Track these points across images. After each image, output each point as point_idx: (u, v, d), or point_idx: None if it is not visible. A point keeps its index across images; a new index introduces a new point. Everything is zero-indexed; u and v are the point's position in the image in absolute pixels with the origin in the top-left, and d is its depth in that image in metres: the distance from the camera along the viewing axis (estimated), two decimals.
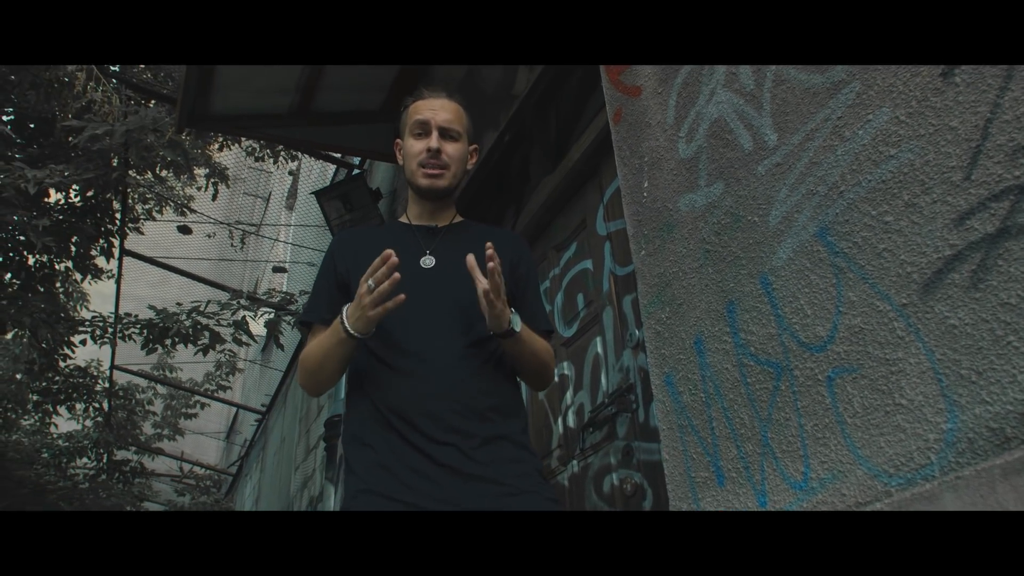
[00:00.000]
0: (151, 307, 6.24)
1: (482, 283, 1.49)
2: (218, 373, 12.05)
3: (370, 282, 1.45)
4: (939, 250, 1.27)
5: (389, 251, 1.46)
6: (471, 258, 1.51)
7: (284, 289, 8.53)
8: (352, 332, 1.51)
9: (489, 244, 1.49)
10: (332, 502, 4.96)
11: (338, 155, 5.94)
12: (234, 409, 14.18)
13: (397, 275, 1.46)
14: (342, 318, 1.53)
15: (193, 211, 8.10)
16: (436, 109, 1.77)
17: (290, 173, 9.52)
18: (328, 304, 1.70)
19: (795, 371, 1.52)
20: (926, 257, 1.29)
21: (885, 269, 1.35)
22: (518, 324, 1.55)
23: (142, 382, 11.31)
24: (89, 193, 5.74)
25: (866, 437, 1.35)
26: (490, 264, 1.46)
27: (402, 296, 1.46)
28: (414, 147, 1.76)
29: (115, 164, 5.00)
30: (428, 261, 1.70)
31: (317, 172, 9.18)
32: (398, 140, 1.85)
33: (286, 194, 12.40)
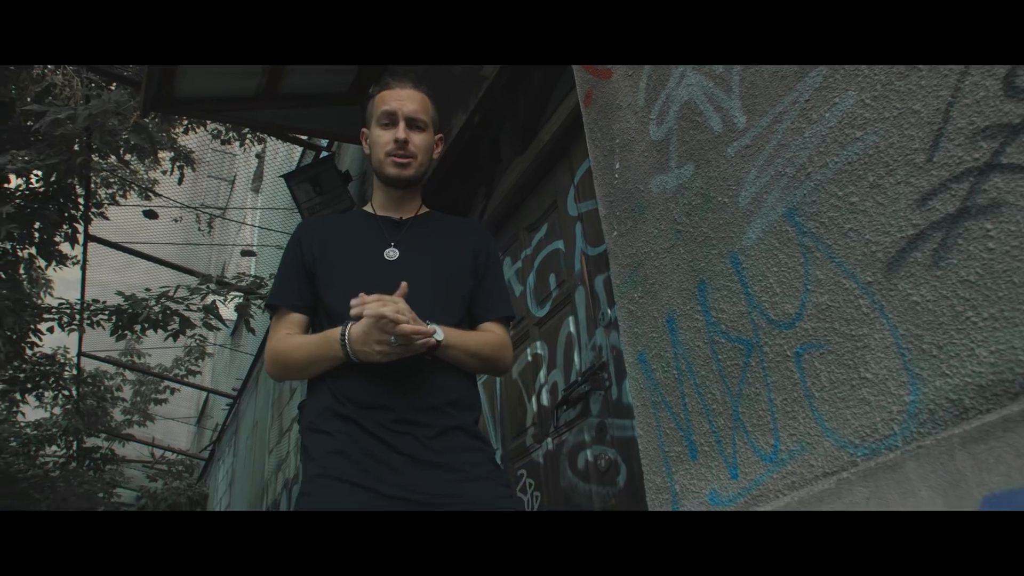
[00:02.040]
0: (119, 293, 6.17)
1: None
2: (187, 358, 11.94)
3: (394, 339, 1.46)
4: (902, 230, 1.31)
5: (432, 329, 1.50)
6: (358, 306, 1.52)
7: (253, 272, 8.47)
8: (356, 359, 1.52)
9: (399, 295, 1.50)
10: None
11: (305, 137, 5.90)
12: (204, 394, 14.07)
13: (431, 341, 1.50)
14: (345, 342, 1.52)
15: (158, 195, 7.99)
16: (403, 99, 1.78)
17: (257, 156, 9.41)
18: (297, 290, 1.71)
19: (765, 347, 1.56)
20: (890, 236, 1.33)
21: (851, 248, 1.40)
22: (440, 334, 1.56)
23: (110, 368, 11.18)
24: (52, 178, 5.64)
25: (833, 410, 1.40)
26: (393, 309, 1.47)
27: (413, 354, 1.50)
28: (381, 137, 1.77)
29: (78, 149, 4.92)
30: (392, 253, 1.71)
31: (283, 154, 9.09)
32: (364, 129, 1.85)
33: (251, 177, 12.26)
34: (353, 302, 1.49)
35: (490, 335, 1.71)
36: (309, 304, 1.71)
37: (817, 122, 1.50)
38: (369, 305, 1.45)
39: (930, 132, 1.29)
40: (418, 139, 1.77)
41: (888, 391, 1.30)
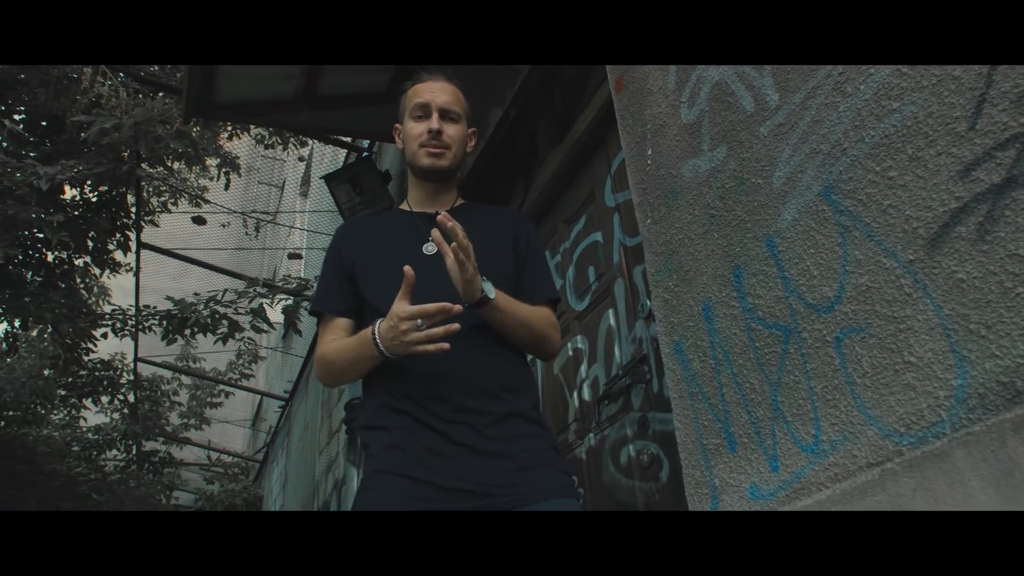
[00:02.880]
0: (168, 298, 6.28)
1: (449, 256, 1.47)
2: (240, 362, 12.15)
3: (420, 321, 1.43)
4: (945, 203, 1.24)
5: (452, 308, 1.44)
6: (436, 232, 1.48)
7: (301, 275, 8.57)
8: (387, 355, 1.50)
9: (444, 216, 1.45)
10: (355, 484, 4.99)
11: (347, 139, 5.93)
12: (258, 397, 14.31)
13: (456, 326, 1.44)
14: (375, 339, 1.50)
15: (207, 202, 8.13)
16: (435, 91, 1.77)
17: (300, 159, 9.53)
18: (339, 294, 1.70)
19: (803, 333, 1.49)
20: (932, 211, 1.26)
21: (891, 225, 1.33)
22: (492, 291, 1.53)
23: (167, 373, 11.43)
24: (103, 188, 5.77)
25: (876, 397, 1.33)
26: (449, 224, 1.43)
27: (447, 346, 1.44)
28: (415, 129, 1.75)
29: (126, 157, 5.02)
30: (430, 247, 1.69)
31: (329, 157, 9.17)
32: (398, 125, 1.84)
33: (300, 181, 12.43)
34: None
35: (540, 310, 1.68)
36: (352, 307, 1.70)
37: (852, 95, 1.43)
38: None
39: (972, 98, 1.21)
40: (452, 130, 1.75)
41: (934, 375, 1.23)
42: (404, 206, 1.83)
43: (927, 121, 1.28)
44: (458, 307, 1.44)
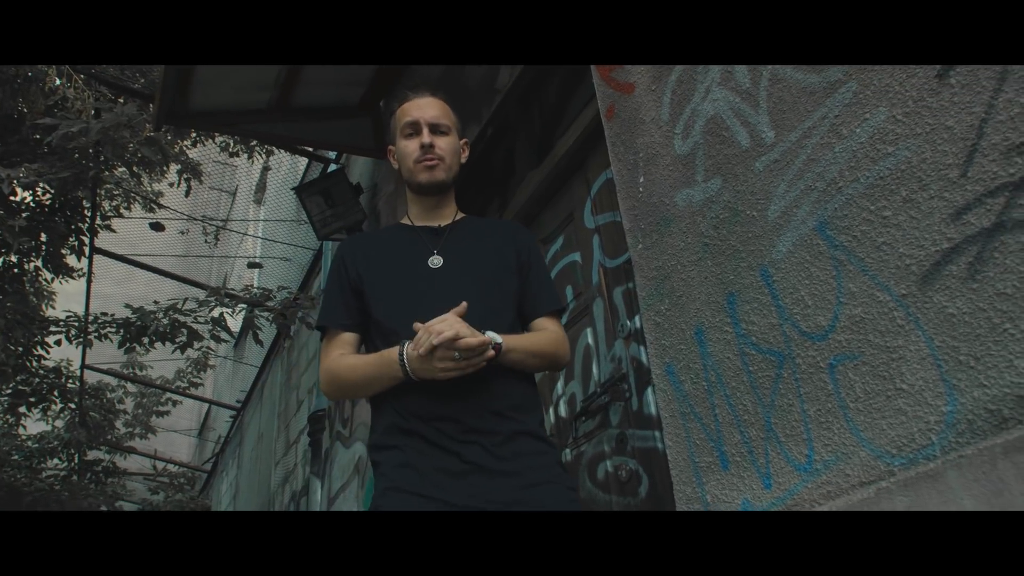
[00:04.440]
0: (127, 306, 6.18)
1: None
2: (189, 370, 11.93)
3: (458, 354, 1.48)
4: (937, 243, 1.34)
5: (489, 339, 1.51)
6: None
7: (257, 284, 8.49)
8: (415, 379, 1.54)
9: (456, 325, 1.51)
10: (319, 496, 4.97)
11: (311, 149, 5.92)
12: (205, 405, 14.06)
13: (491, 353, 1.52)
14: (403, 361, 1.54)
15: (162, 207, 8.01)
16: (423, 107, 1.82)
17: (267, 168, 9.44)
18: (345, 309, 1.74)
19: (797, 359, 1.59)
20: (924, 250, 1.36)
21: (884, 261, 1.43)
22: (498, 337, 1.58)
23: (112, 380, 11.16)
24: (60, 191, 5.65)
25: (868, 420, 1.42)
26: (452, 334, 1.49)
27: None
28: (408, 147, 1.80)
29: (89, 163, 4.94)
30: (436, 261, 1.74)
31: (288, 166, 9.12)
32: (391, 147, 1.89)
33: (253, 188, 12.29)
34: (418, 328, 1.51)
35: (546, 332, 1.74)
36: (358, 322, 1.74)
37: (848, 137, 1.53)
38: (439, 334, 1.47)
39: (964, 148, 1.32)
40: (443, 143, 1.81)
41: (925, 401, 1.33)
42: (405, 220, 1.87)
43: (920, 166, 1.38)
44: (491, 353, 1.52)
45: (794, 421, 1.58)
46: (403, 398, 1.60)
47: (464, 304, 1.54)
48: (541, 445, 1.62)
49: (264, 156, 7.47)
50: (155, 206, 8.00)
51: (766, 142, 1.73)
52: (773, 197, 1.69)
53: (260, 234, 10.48)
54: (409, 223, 1.86)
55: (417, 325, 1.51)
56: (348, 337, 1.73)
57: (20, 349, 6.24)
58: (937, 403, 1.31)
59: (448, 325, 1.47)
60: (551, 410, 3.16)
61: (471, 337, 1.48)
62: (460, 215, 1.89)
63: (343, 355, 1.70)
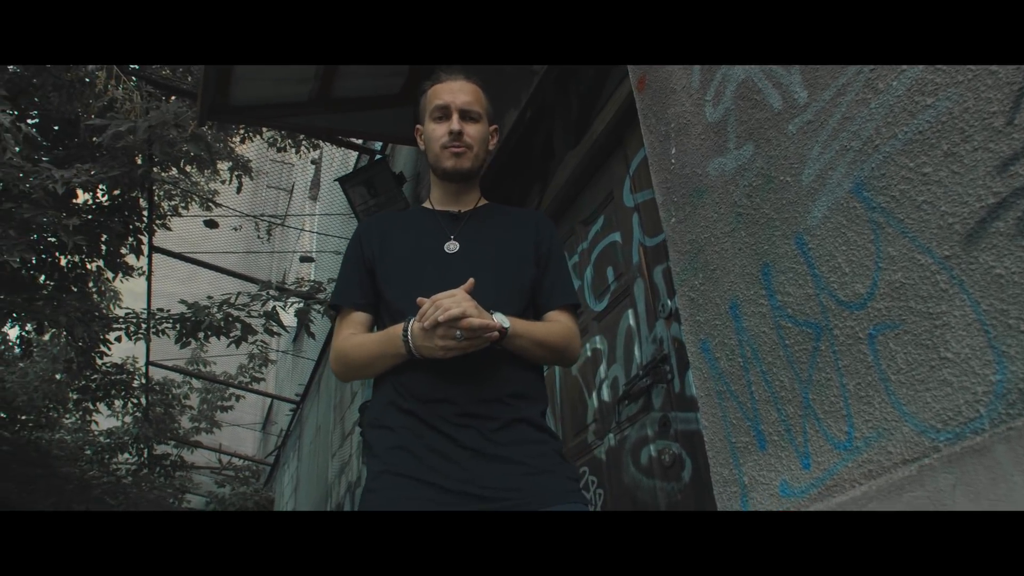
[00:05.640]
0: (182, 302, 6.31)
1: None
2: (251, 365, 12.18)
3: (459, 332, 1.43)
4: (982, 199, 1.23)
5: (497, 323, 1.47)
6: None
7: (312, 277, 8.59)
8: (418, 356, 1.50)
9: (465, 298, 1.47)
10: None
11: (358, 141, 5.94)
12: (269, 400, 14.34)
13: (494, 336, 1.46)
14: (407, 338, 1.50)
15: (218, 205, 8.16)
16: (455, 91, 1.76)
17: (313, 162, 9.56)
18: (359, 289, 1.71)
19: (835, 330, 1.49)
20: (968, 207, 1.25)
21: (925, 222, 1.32)
22: (505, 320, 1.52)
23: (177, 377, 11.46)
24: (116, 192, 5.79)
25: (911, 393, 1.32)
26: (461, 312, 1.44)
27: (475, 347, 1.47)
28: (436, 131, 1.75)
29: (139, 161, 5.04)
30: (452, 246, 1.70)
31: (339, 160, 9.20)
32: (419, 126, 1.84)
33: (309, 184, 12.47)
34: (423, 303, 1.47)
35: (557, 324, 1.68)
36: (371, 302, 1.71)
37: (884, 91, 1.43)
38: (446, 311, 1.42)
39: (1010, 93, 1.21)
40: (472, 130, 1.75)
41: (972, 371, 1.22)
42: (427, 204, 1.84)
43: (963, 116, 1.28)
44: (495, 335, 1.47)
45: (833, 396, 1.48)
46: (402, 375, 1.56)
47: (471, 280, 1.49)
48: (541, 434, 1.56)
49: (311, 150, 7.54)
50: (212, 204, 8.16)
51: (799, 103, 1.63)
52: (807, 160, 1.59)
53: (315, 229, 10.61)
54: (430, 207, 1.82)
55: (421, 300, 1.47)
56: (360, 317, 1.69)
57: (83, 346, 6.42)
58: (985, 372, 1.21)
59: (456, 302, 1.42)
60: (594, 394, 3.10)
61: (476, 317, 1.42)
62: (482, 202, 1.84)
63: (353, 334, 1.66)
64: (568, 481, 1.52)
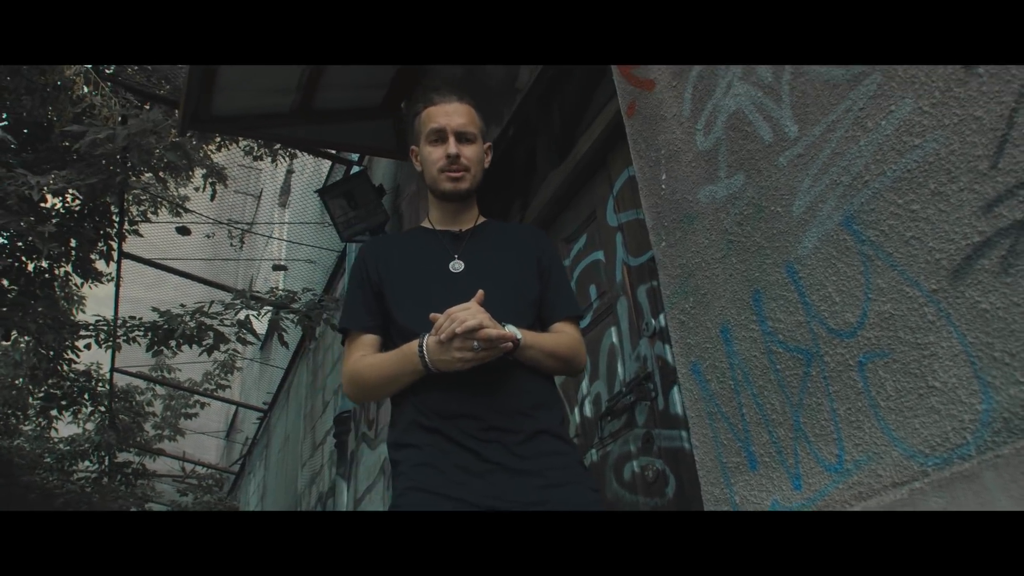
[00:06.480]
0: (155, 309, 6.24)
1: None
2: (217, 373, 12.04)
3: (476, 344, 1.48)
4: (968, 237, 1.31)
5: (511, 333, 1.52)
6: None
7: (283, 286, 8.55)
8: (435, 370, 1.54)
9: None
10: (345, 497, 4.99)
11: (334, 152, 5.94)
12: (233, 408, 14.19)
13: (509, 346, 1.52)
14: (423, 354, 1.54)
15: (189, 211, 8.09)
16: (450, 114, 1.81)
17: (289, 171, 9.52)
18: (367, 311, 1.74)
19: (825, 357, 1.56)
20: (955, 244, 1.33)
21: (914, 256, 1.40)
22: (517, 332, 1.57)
23: (141, 383, 11.30)
24: (86, 197, 5.72)
25: (900, 419, 1.39)
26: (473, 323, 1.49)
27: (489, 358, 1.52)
28: (432, 154, 1.79)
29: (116, 169, 5.00)
30: (457, 265, 1.74)
31: (311, 169, 9.17)
32: (414, 148, 1.88)
33: (278, 191, 12.38)
34: (436, 319, 1.51)
35: (564, 335, 1.73)
36: (380, 324, 1.74)
37: (873, 130, 1.50)
38: (462, 322, 1.46)
39: (994, 139, 1.28)
40: (469, 152, 1.80)
41: (959, 399, 1.30)
42: (426, 224, 1.87)
43: (949, 158, 1.35)
44: (509, 346, 1.52)
45: (823, 420, 1.55)
46: (424, 394, 1.60)
47: (481, 292, 1.53)
48: (562, 445, 1.61)
49: (287, 159, 7.52)
50: (182, 210, 8.08)
51: (789, 136, 1.70)
52: (798, 192, 1.66)
53: (285, 237, 10.55)
54: (430, 227, 1.86)
55: (435, 316, 1.51)
56: (370, 339, 1.73)
57: (51, 353, 6.32)
58: (971, 401, 1.28)
59: (471, 314, 1.47)
60: (576, 410, 3.15)
61: (492, 328, 1.47)
62: (481, 219, 1.88)
63: (364, 356, 1.70)
64: (591, 492, 1.57)
